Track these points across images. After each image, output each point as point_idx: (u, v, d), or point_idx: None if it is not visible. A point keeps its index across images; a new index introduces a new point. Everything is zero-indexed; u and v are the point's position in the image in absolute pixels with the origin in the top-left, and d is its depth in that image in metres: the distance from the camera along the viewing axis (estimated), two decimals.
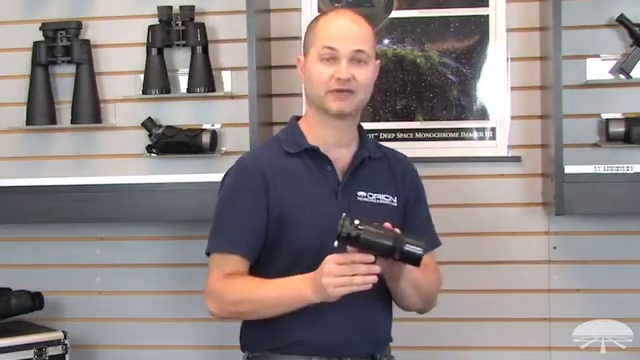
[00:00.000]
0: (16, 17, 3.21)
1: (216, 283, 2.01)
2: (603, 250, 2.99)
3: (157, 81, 3.08)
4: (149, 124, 3.10)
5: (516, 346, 3.03)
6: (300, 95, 2.89)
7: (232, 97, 3.11)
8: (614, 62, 2.94)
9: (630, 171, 2.78)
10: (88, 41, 3.14)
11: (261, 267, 2.02)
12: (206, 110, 3.14)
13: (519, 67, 3.01)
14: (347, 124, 2.07)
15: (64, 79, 3.20)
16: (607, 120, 2.91)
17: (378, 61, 2.09)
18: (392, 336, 2.14)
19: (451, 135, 3.05)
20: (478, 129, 3.04)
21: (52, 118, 3.17)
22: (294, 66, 2.14)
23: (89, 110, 3.13)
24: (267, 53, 3.07)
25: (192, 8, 3.09)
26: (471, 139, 3.04)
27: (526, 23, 3.00)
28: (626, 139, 2.89)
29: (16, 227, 3.23)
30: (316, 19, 2.10)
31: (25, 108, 3.15)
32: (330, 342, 2.00)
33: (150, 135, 3.10)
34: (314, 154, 2.06)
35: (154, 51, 3.08)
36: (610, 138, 2.90)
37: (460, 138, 3.04)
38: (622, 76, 2.91)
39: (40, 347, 2.91)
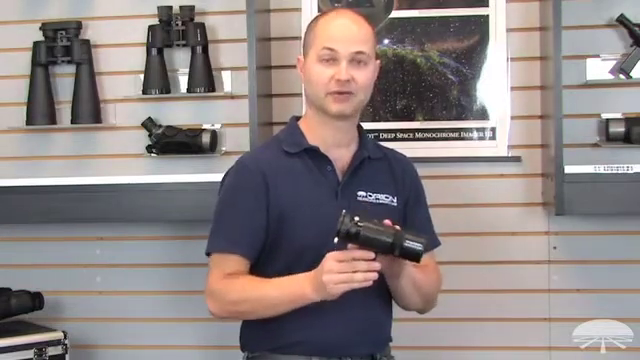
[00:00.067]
0: (16, 17, 3.21)
1: (216, 283, 2.01)
2: (603, 250, 2.99)
3: (157, 81, 3.08)
4: (149, 124, 3.10)
5: (516, 346, 3.03)
6: (300, 95, 2.89)
7: (232, 97, 3.11)
8: (614, 62, 2.94)
9: (630, 171, 2.78)
10: (88, 41, 3.14)
11: (261, 267, 2.02)
12: (206, 110, 3.14)
13: (519, 67, 3.01)
14: (347, 124, 2.07)
15: (64, 79, 3.20)
16: (607, 120, 2.91)
17: (378, 61, 2.09)
18: (392, 336, 2.14)
19: (451, 135, 3.05)
20: (478, 129, 3.04)
21: (52, 118, 3.17)
22: (294, 66, 2.14)
23: (89, 110, 3.13)
24: (267, 53, 3.07)
25: (192, 8, 3.09)
26: (471, 139, 3.04)
27: (526, 23, 3.00)
28: (626, 139, 2.89)
29: (16, 227, 3.23)
30: (316, 19, 2.09)
31: (25, 108, 3.15)
32: (330, 342, 2.00)
33: (150, 135, 3.10)
34: (314, 154, 2.06)
35: (154, 51, 3.08)
36: (610, 138, 2.90)
37: (460, 138, 3.04)
38: (622, 76, 2.91)
39: (40, 347, 2.91)
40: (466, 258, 3.02)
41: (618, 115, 2.93)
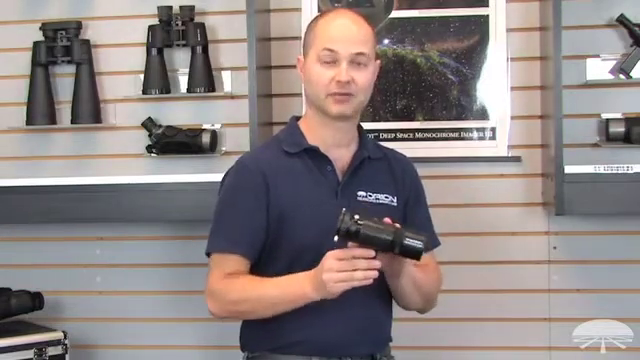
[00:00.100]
0: (16, 17, 3.21)
1: (217, 283, 2.00)
2: (603, 250, 2.99)
3: (157, 81, 3.08)
4: (149, 124, 3.10)
5: (516, 346, 3.03)
6: (300, 95, 2.89)
7: (232, 97, 3.11)
8: (614, 62, 2.94)
9: (630, 171, 2.78)
10: (88, 41, 3.14)
11: (261, 267, 2.02)
12: (206, 110, 3.14)
13: (519, 67, 3.01)
14: (347, 125, 2.07)
15: (64, 79, 3.20)
16: (607, 120, 2.91)
17: (378, 61, 2.09)
18: (392, 336, 2.14)
19: (451, 135, 3.05)
20: (478, 129, 3.04)
21: (52, 118, 3.17)
22: (294, 66, 2.14)
23: (89, 110, 3.13)
24: (267, 53, 3.07)
25: (192, 8, 3.09)
26: (471, 139, 3.04)
27: (526, 23, 3.00)
28: (626, 139, 2.89)
29: (16, 227, 3.23)
30: (316, 19, 2.09)
31: (25, 108, 3.15)
32: (330, 342, 2.00)
33: (150, 135, 3.10)
34: (314, 154, 2.06)
35: (154, 51, 3.08)
36: (610, 138, 2.90)
37: (460, 138, 3.04)
38: (622, 76, 2.91)
39: (40, 347, 2.91)
40: (466, 258, 3.02)
41: (618, 115, 2.93)
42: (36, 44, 3.14)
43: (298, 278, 1.92)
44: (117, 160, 3.18)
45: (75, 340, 3.08)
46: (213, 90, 3.06)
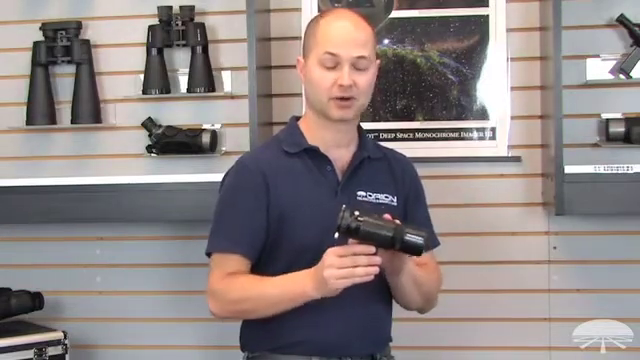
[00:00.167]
0: (16, 17, 3.21)
1: (217, 283, 2.00)
2: (603, 250, 2.99)
3: (157, 81, 3.08)
4: (149, 124, 3.10)
5: (516, 346, 3.03)
6: (300, 95, 2.89)
7: (232, 97, 3.11)
8: (614, 62, 2.94)
9: (630, 171, 2.78)
10: (88, 41, 3.14)
11: (261, 267, 2.02)
12: (206, 110, 3.14)
13: (519, 67, 3.01)
14: (347, 126, 2.07)
15: (64, 79, 3.20)
16: (607, 120, 2.91)
17: (378, 61, 2.09)
18: (392, 336, 2.14)
19: (451, 135, 3.05)
20: (478, 129, 3.04)
21: (52, 118, 3.17)
22: (294, 66, 2.13)
23: (89, 110, 3.13)
24: (267, 53, 3.07)
25: (192, 8, 3.09)
26: (471, 139, 3.04)
27: (526, 23, 3.00)
28: (626, 139, 2.89)
29: (16, 227, 3.23)
30: (316, 20, 2.08)
31: (25, 108, 3.15)
32: (330, 342, 2.00)
33: (150, 135, 3.10)
34: (314, 154, 2.06)
35: (154, 51, 3.08)
36: (610, 138, 2.90)
37: (460, 138, 3.04)
38: (622, 76, 2.91)
39: (40, 347, 2.91)
40: (466, 258, 3.02)
41: (618, 115, 2.93)
42: (36, 44, 3.14)
43: (298, 276, 1.92)
44: (117, 160, 3.18)
45: (75, 340, 3.08)
46: (213, 90, 3.06)
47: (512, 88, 3.02)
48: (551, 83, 2.79)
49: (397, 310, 2.14)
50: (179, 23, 3.07)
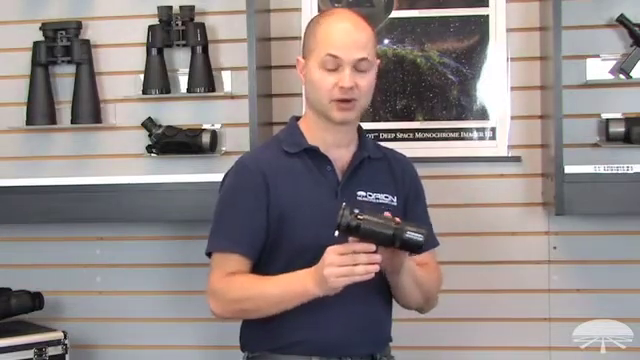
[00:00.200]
0: (16, 17, 3.21)
1: (218, 282, 2.00)
2: (603, 250, 2.99)
3: (157, 81, 3.08)
4: (149, 124, 3.10)
5: (516, 346, 3.03)
6: (300, 95, 2.89)
7: (232, 97, 3.11)
8: (614, 62, 2.94)
9: (630, 171, 2.78)
10: (88, 41, 3.14)
11: (262, 267, 2.02)
12: (206, 110, 3.14)
13: (519, 67, 3.01)
14: (347, 127, 2.07)
15: (64, 79, 3.20)
16: (607, 120, 2.91)
17: (378, 61, 2.09)
18: (392, 336, 2.14)
19: (451, 135, 3.05)
20: (478, 129, 3.04)
21: (52, 118, 3.17)
22: (294, 66, 2.13)
23: (89, 110, 3.13)
24: (267, 53, 3.07)
25: (192, 8, 3.09)
26: (471, 139, 3.04)
27: (526, 23, 3.00)
28: (626, 139, 2.89)
29: (16, 227, 3.23)
30: (317, 20, 2.07)
31: (25, 108, 3.15)
32: (330, 342, 2.00)
33: (150, 135, 3.10)
34: (314, 154, 2.06)
35: (154, 51, 3.08)
36: (610, 138, 2.90)
37: (460, 138, 3.04)
38: (622, 76, 2.91)
39: (40, 347, 2.91)
40: (466, 258, 3.02)
41: (618, 115, 2.93)
42: (36, 44, 3.14)
43: (299, 275, 1.93)
44: (117, 160, 3.18)
45: (75, 340, 3.08)
46: (213, 90, 3.06)
47: (512, 88, 3.02)
48: (551, 83, 2.79)
49: (397, 310, 2.14)
50: (179, 23, 3.07)
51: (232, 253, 2.01)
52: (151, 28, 3.08)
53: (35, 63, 3.14)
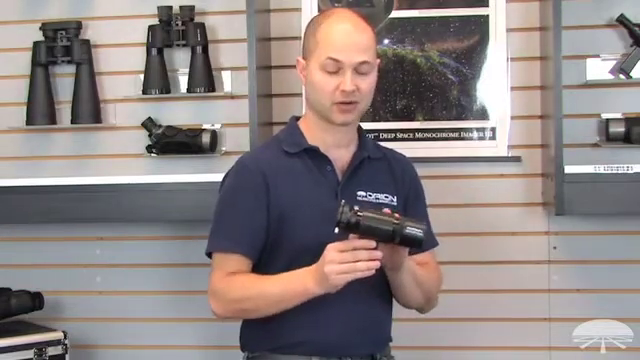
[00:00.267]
0: (16, 17, 3.21)
1: (218, 282, 2.00)
2: (603, 250, 2.99)
3: (157, 81, 3.08)
4: (149, 124, 3.10)
5: (516, 346, 3.03)
6: (300, 95, 2.89)
7: (232, 97, 3.11)
8: (614, 62, 2.94)
9: (630, 171, 2.78)
10: (88, 41, 3.14)
11: (262, 267, 2.02)
12: (206, 110, 3.14)
13: (519, 67, 3.01)
14: (348, 127, 2.07)
15: (64, 79, 3.20)
16: (607, 120, 2.91)
17: (378, 60, 2.08)
18: (392, 336, 2.14)
19: (451, 135, 3.05)
20: (478, 129, 3.04)
21: (52, 118, 3.17)
22: (294, 66, 2.13)
23: (89, 110, 3.13)
24: (267, 53, 3.07)
25: (192, 8, 3.09)
26: (471, 139, 3.04)
27: (526, 23, 3.00)
28: (626, 139, 2.89)
29: (16, 227, 3.23)
30: (317, 21, 2.06)
31: (25, 108, 3.15)
32: (331, 342, 2.00)
33: (150, 135, 3.10)
34: (314, 154, 2.06)
35: (154, 51, 3.08)
36: (610, 138, 2.90)
37: (460, 138, 3.04)
38: (622, 76, 2.91)
39: (40, 347, 2.91)
40: (466, 258, 3.02)
41: (618, 115, 2.93)
42: (36, 44, 3.14)
43: (299, 274, 1.93)
44: (117, 160, 3.18)
45: (75, 340, 3.08)
46: (213, 90, 3.06)
47: (512, 88, 3.02)
48: (551, 83, 2.79)
49: (397, 310, 2.14)
50: (179, 23, 3.07)
51: (232, 253, 2.01)
52: (151, 28, 3.08)
53: (35, 63, 3.14)
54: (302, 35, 2.12)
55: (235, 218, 2.03)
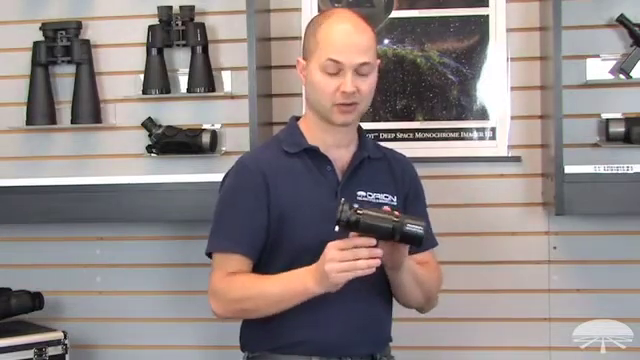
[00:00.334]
0: (16, 17, 3.21)
1: (218, 282, 2.00)
2: (603, 250, 2.99)
3: (157, 81, 3.08)
4: (149, 124, 3.10)
5: (516, 346, 3.03)
6: (300, 95, 2.90)
7: (232, 97, 3.11)
8: (614, 62, 2.94)
9: (630, 171, 2.78)
10: (88, 41, 3.14)
11: (262, 267, 2.02)
12: (206, 110, 3.14)
13: (519, 67, 3.01)
14: (348, 127, 2.07)
15: (64, 79, 3.20)
16: (607, 120, 2.91)
17: (379, 60, 2.08)
18: (392, 336, 2.14)
19: (451, 135, 3.05)
20: (478, 129, 3.04)
21: (52, 118, 3.17)
22: (294, 66, 2.13)
23: (89, 110, 3.13)
24: (267, 53, 3.07)
25: (192, 8, 3.09)
26: (471, 139, 3.04)
27: (526, 23, 3.00)
28: (626, 139, 2.89)
29: (16, 227, 3.23)
30: (317, 21, 2.05)
31: (25, 108, 3.16)
32: (331, 342, 2.00)
33: (150, 135, 3.10)
34: (314, 154, 2.06)
35: (154, 51, 3.08)
36: (610, 138, 2.90)
37: (460, 138, 3.04)
38: (622, 76, 2.91)
39: (40, 347, 2.91)
40: (466, 258, 3.02)
41: (618, 115, 2.93)
42: (36, 44, 3.14)
43: (299, 273, 1.92)
44: (117, 160, 3.18)
45: (75, 340, 3.08)
46: (213, 90, 3.06)
47: (512, 88, 3.02)
48: (551, 83, 2.79)
49: (397, 310, 2.14)
50: (179, 23, 3.07)
51: (233, 253, 2.01)
52: (151, 28, 3.08)
53: (35, 63, 3.14)
54: (302, 35, 2.12)
55: (235, 218, 2.03)
